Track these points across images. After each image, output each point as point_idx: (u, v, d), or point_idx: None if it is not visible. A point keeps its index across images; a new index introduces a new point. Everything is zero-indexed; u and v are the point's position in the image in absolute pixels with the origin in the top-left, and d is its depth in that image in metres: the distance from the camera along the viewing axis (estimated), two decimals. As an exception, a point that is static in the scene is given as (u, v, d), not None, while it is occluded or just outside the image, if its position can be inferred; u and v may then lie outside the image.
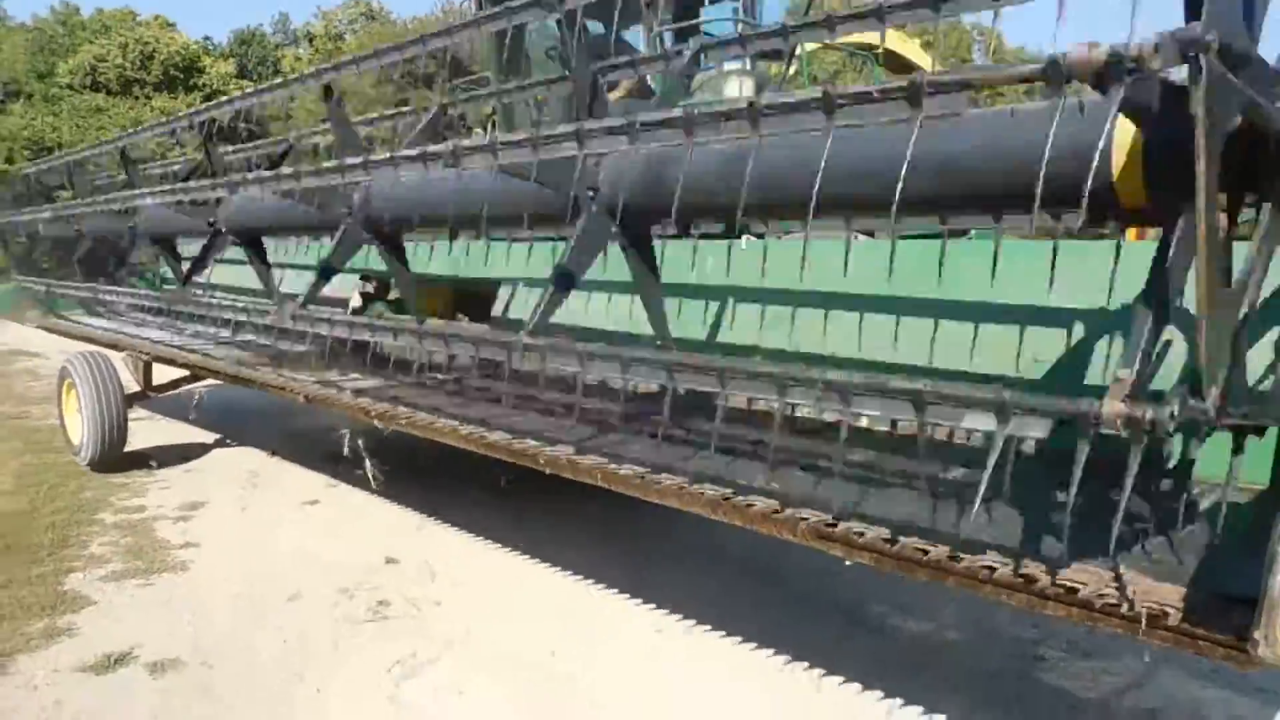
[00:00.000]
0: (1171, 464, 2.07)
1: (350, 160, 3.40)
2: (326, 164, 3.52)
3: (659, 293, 3.28)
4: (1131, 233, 2.44)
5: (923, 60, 11.59)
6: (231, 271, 7.18)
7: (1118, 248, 1.99)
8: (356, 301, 6.36)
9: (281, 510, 5.29)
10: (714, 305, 3.83)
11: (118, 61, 36.33)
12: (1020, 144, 1.84)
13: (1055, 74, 1.38)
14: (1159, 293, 1.56)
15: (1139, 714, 3.12)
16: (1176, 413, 1.38)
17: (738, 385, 2.09)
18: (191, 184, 4.60)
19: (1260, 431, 1.78)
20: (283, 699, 3.09)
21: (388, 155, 3.22)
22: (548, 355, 2.53)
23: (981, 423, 1.61)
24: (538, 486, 3.93)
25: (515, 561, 4.47)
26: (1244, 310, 1.64)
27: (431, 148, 3.00)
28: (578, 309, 4.13)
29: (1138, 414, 1.38)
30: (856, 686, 3.22)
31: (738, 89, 6.19)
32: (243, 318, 4.42)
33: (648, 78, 5.16)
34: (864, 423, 2.71)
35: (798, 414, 2.73)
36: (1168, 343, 1.62)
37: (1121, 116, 1.61)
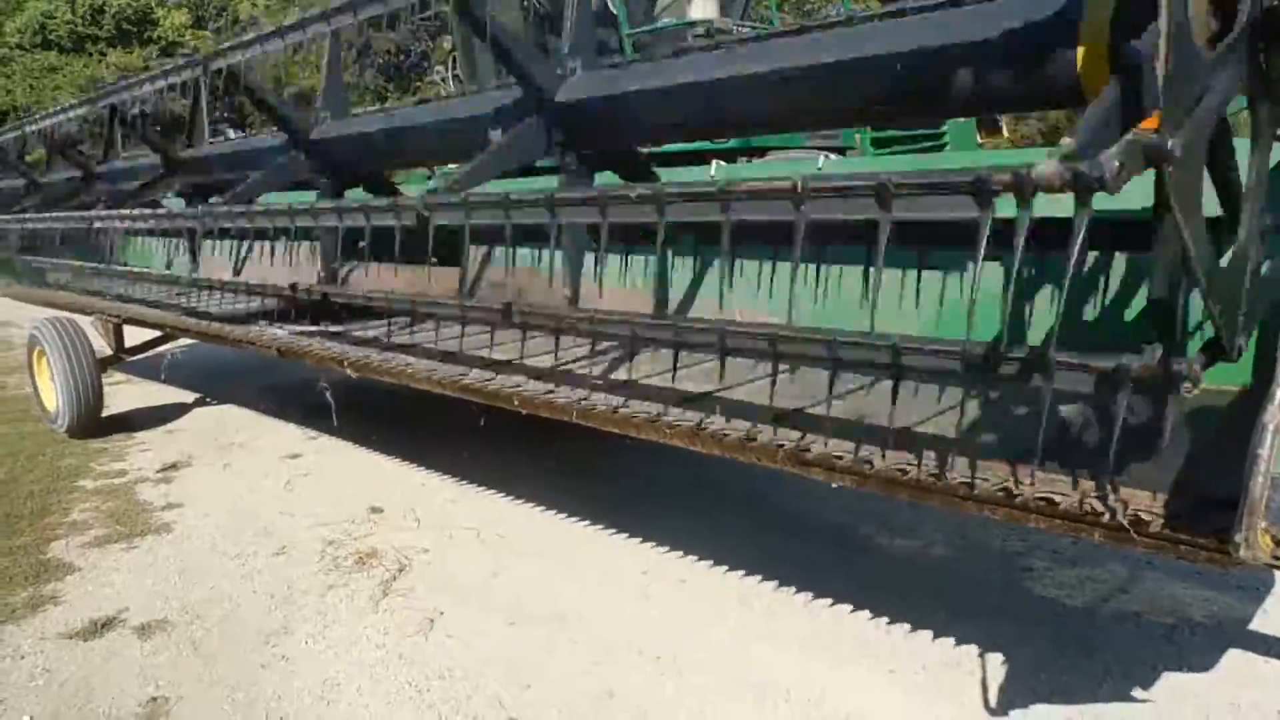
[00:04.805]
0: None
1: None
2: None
3: None
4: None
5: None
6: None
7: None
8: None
9: (264, 465, 5.24)
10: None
11: (67, 17, 34.99)
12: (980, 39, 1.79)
13: None
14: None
15: (1123, 617, 3.16)
16: (1117, 169, 1.15)
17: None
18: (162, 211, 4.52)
19: None
20: (273, 653, 3.08)
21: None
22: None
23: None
24: (520, 425, 3.89)
25: (501, 504, 4.46)
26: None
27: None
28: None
29: (1080, 170, 1.16)
30: (848, 606, 3.25)
31: (702, 10, 5.99)
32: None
33: (608, 1, 4.97)
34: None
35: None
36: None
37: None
